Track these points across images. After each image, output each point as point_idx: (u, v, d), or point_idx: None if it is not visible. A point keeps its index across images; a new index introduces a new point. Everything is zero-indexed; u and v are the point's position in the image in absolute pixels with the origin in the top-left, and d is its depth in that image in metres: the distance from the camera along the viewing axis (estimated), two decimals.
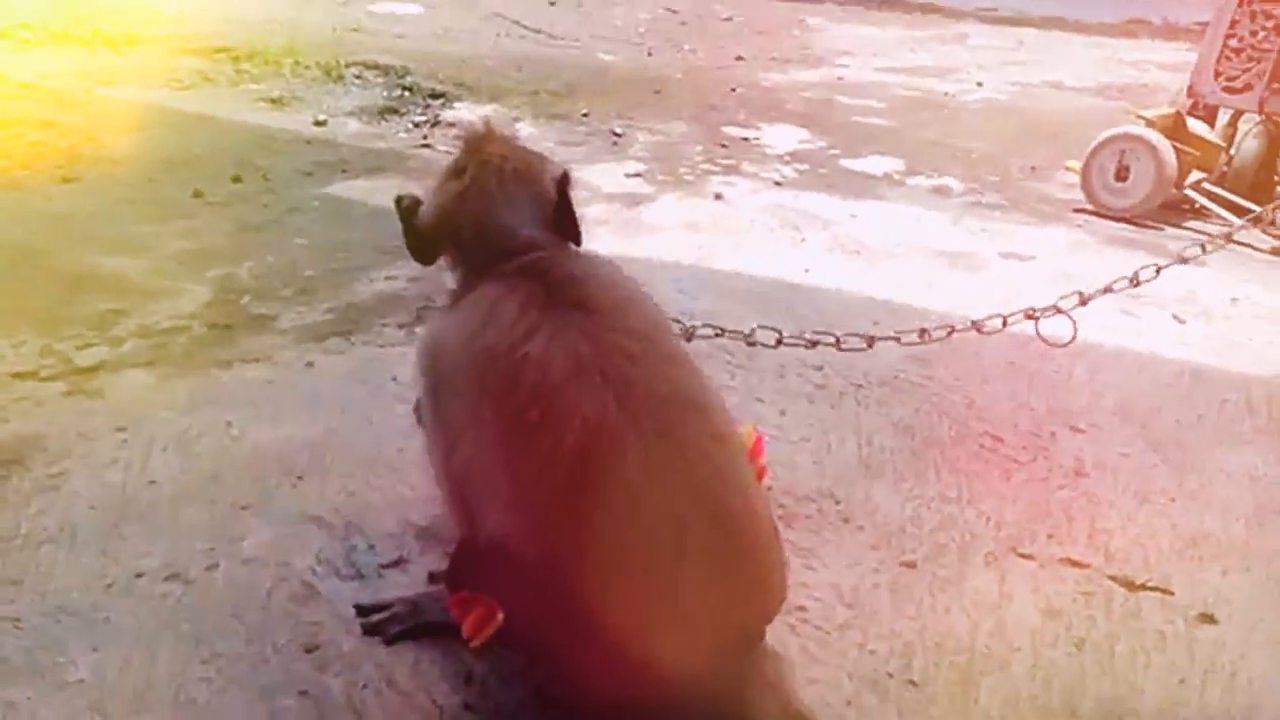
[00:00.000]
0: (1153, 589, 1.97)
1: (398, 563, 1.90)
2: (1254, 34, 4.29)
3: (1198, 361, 2.95)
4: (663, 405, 1.36)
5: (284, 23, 7.01)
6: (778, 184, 4.74)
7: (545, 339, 1.38)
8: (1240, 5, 4.30)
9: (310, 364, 2.70)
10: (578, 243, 1.67)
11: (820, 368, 2.84)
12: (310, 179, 4.24)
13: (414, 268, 3.52)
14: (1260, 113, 4.30)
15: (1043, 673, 1.72)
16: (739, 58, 6.92)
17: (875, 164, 5.05)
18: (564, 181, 1.66)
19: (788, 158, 5.13)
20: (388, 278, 3.31)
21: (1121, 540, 2.12)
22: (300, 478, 2.14)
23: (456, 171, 1.65)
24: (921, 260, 3.73)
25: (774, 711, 1.40)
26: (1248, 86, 4.31)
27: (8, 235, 3.38)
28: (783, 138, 5.44)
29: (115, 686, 1.56)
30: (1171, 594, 1.95)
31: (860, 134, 5.53)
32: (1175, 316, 3.29)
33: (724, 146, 5.24)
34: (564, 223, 1.65)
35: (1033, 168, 4.92)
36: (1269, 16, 4.25)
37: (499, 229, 1.59)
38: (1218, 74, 4.39)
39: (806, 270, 3.59)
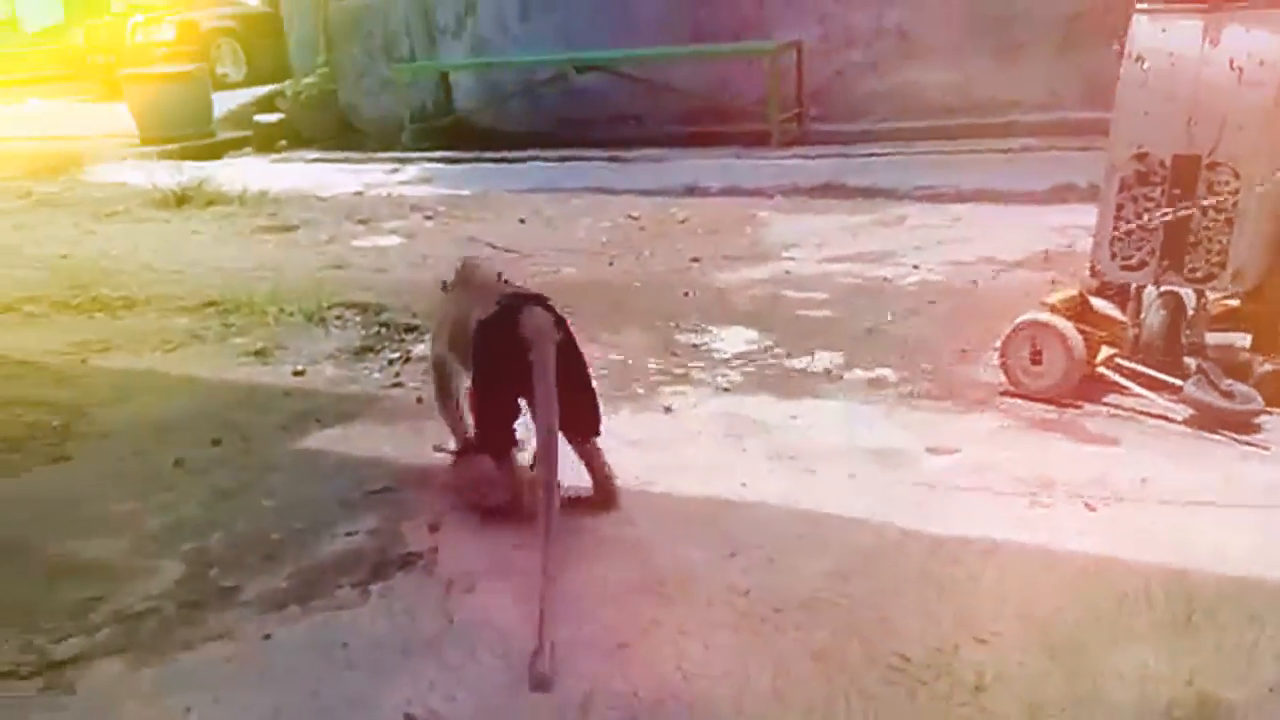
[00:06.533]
0: None
1: None
2: (1139, 215, 4.68)
3: (1102, 554, 3.13)
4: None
5: (272, 268, 7.56)
6: (725, 390, 5.05)
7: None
8: (1121, 190, 4.71)
9: (268, 636, 2.92)
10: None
11: (746, 592, 3.03)
12: (285, 433, 4.56)
13: (372, 520, 3.82)
14: (1157, 286, 4.63)
15: None
16: (694, 259, 7.41)
17: (817, 360, 5.36)
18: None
19: (735, 361, 5.46)
20: (347, 533, 3.57)
21: None
22: None
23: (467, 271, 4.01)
24: (852, 464, 3.96)
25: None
26: (1142, 264, 4.66)
27: None
28: (731, 340, 5.79)
29: None
30: None
31: (804, 329, 5.88)
32: (1086, 504, 3.49)
33: (675, 355, 5.59)
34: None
35: (963, 351, 5.23)
36: (1148, 199, 4.65)
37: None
38: (1114, 254, 4.75)
39: (743, 485, 3.83)
